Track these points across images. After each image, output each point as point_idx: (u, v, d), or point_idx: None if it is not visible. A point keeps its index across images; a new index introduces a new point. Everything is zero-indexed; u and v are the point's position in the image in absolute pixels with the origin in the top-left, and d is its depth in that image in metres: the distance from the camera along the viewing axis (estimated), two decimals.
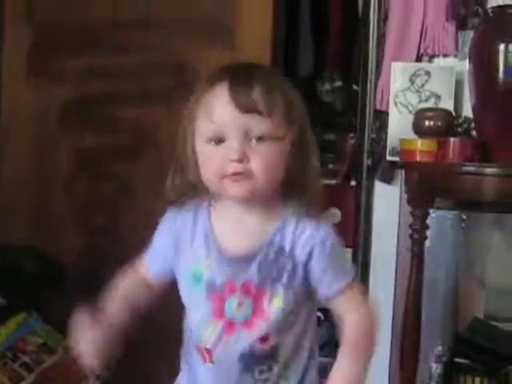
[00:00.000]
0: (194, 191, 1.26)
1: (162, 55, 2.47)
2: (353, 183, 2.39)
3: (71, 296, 2.45)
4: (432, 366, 2.26)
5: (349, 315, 1.24)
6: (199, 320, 1.25)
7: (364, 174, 2.32)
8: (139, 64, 2.52)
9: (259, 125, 1.18)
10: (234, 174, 1.18)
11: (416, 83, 2.20)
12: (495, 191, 1.92)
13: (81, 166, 2.66)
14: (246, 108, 1.18)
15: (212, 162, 1.20)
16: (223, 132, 1.19)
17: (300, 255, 1.22)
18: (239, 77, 1.21)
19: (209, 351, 1.24)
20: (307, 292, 1.25)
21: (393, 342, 2.32)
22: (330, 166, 2.51)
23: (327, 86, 2.54)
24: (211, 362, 1.25)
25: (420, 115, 2.09)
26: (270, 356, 1.25)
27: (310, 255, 1.22)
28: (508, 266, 2.29)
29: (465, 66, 2.12)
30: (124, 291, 1.36)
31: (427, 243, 2.09)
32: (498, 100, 1.95)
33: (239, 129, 1.18)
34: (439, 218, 2.24)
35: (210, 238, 1.25)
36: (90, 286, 2.52)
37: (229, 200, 1.24)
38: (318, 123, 2.39)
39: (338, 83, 2.54)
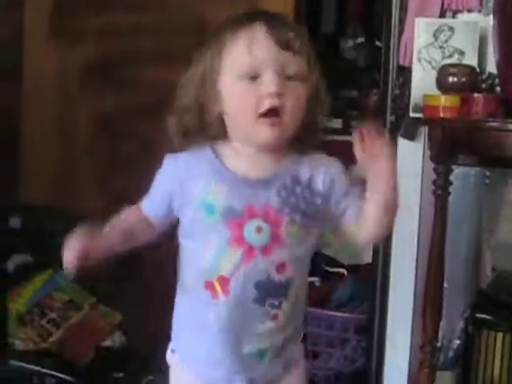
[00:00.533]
0: (199, 135, 1.29)
1: (183, 14, 2.47)
2: None
3: None
4: (454, 323, 2.28)
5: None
6: (215, 251, 1.25)
7: (387, 131, 2.32)
8: (160, 23, 2.53)
9: (293, 63, 1.21)
10: (271, 109, 1.20)
11: (440, 39, 2.18)
12: None
13: (102, 126, 2.69)
14: (285, 44, 1.20)
15: (248, 97, 1.22)
16: (260, 67, 1.20)
17: (320, 186, 1.26)
18: (274, 17, 1.25)
19: (225, 280, 1.24)
20: (317, 229, 1.30)
21: (415, 298, 2.34)
22: (353, 122, 2.51)
23: (350, 43, 2.53)
24: (227, 292, 1.25)
25: (443, 71, 2.07)
26: (284, 290, 1.26)
27: (331, 185, 1.26)
28: None
29: (489, 21, 2.11)
30: (124, 221, 1.38)
31: (450, 200, 2.11)
32: None
33: (276, 64, 1.20)
34: (462, 175, 2.23)
35: (222, 169, 1.27)
36: None
37: (257, 144, 1.25)
38: (340, 80, 2.40)
39: (361, 39, 2.53)
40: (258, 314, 1.26)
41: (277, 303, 1.26)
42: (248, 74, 1.20)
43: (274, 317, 1.27)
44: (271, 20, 1.22)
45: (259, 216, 1.23)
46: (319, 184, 1.26)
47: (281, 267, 1.24)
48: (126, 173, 2.65)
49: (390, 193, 1.25)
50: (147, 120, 2.57)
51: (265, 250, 1.23)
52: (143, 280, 2.59)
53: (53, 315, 2.57)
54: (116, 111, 2.64)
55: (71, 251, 1.30)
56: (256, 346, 1.28)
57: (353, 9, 2.55)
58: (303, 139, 1.28)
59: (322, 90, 1.29)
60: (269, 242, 1.23)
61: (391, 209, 1.26)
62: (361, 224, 1.26)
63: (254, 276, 1.24)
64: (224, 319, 1.26)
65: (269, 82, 1.19)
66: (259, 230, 1.23)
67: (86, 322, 2.59)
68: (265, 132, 1.21)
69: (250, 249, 1.23)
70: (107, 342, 2.57)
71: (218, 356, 1.29)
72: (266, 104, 1.19)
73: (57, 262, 2.58)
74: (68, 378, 2.34)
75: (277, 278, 1.24)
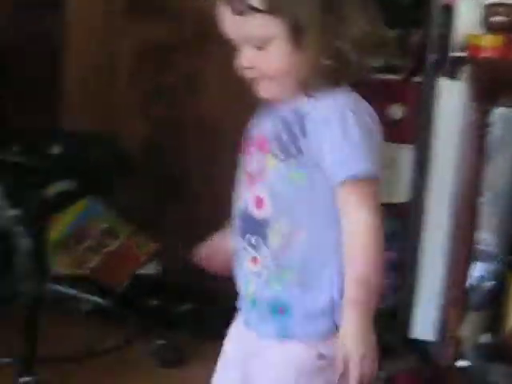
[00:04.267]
0: None
1: None
2: (417, 79, 2.38)
3: (135, 183, 2.54)
4: (485, 264, 2.29)
5: (351, 212, 1.13)
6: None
7: (429, 70, 2.32)
8: None
9: (250, 29, 1.14)
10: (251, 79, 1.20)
11: None
12: None
13: (145, 57, 2.69)
14: (237, 11, 1.13)
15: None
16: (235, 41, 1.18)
17: (311, 122, 1.15)
18: None
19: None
20: (311, 176, 1.17)
21: (448, 238, 2.35)
22: (395, 62, 2.50)
23: None
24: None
25: (489, 10, 2.06)
26: (261, 228, 1.19)
27: (326, 121, 1.13)
28: None
29: None
30: None
31: (491, 140, 2.12)
32: None
33: (239, 37, 1.17)
34: (504, 116, 2.22)
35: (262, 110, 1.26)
36: (152, 175, 2.62)
37: None
38: (382, 18, 2.38)
39: None
40: (240, 248, 1.23)
41: (253, 241, 1.20)
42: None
43: (253, 260, 1.21)
44: None
45: (255, 144, 1.22)
46: (311, 122, 1.15)
47: (259, 201, 1.19)
48: (165, 102, 2.69)
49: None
50: (188, 52, 2.60)
51: (251, 178, 1.22)
52: (183, 209, 2.64)
53: (90, 243, 2.63)
54: (159, 42, 2.64)
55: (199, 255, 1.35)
56: (245, 283, 1.25)
57: None
58: (332, 74, 1.16)
59: (320, 27, 1.13)
60: (255, 171, 1.21)
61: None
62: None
63: (242, 203, 1.23)
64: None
65: (241, 55, 1.18)
66: (251, 156, 1.22)
67: (123, 250, 2.64)
68: (260, 92, 1.21)
69: (247, 174, 1.23)
70: (143, 270, 2.64)
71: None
72: (247, 75, 1.20)
73: (97, 190, 2.65)
74: (103, 302, 2.41)
75: (254, 211, 1.20)
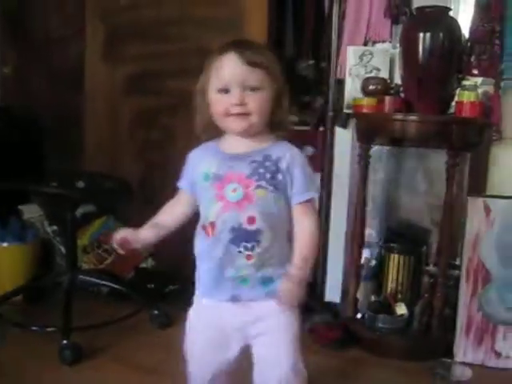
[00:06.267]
0: (214, 130, 1.26)
1: (194, 43, 2.46)
2: (321, 129, 2.41)
3: (136, 206, 2.52)
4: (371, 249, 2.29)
5: (305, 219, 1.22)
6: (207, 203, 1.23)
7: (329, 123, 2.35)
8: (178, 50, 2.51)
9: (254, 77, 1.18)
10: (238, 114, 1.19)
11: (363, 60, 2.19)
12: (415, 132, 1.94)
13: (139, 119, 2.67)
14: (247, 62, 1.17)
15: (222, 105, 1.20)
16: (229, 84, 1.18)
17: (284, 164, 1.20)
18: (243, 44, 1.23)
19: (213, 224, 1.21)
20: (284, 197, 1.22)
21: (346, 234, 2.37)
22: (306, 118, 2.51)
23: (304, 64, 2.52)
24: (213, 234, 1.21)
25: (366, 82, 2.11)
26: (254, 237, 1.20)
27: (292, 164, 1.20)
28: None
29: (396, 48, 2.12)
30: (159, 216, 1.33)
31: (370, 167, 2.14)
32: (417, 72, 1.95)
33: (240, 80, 1.18)
34: (378, 151, 2.27)
35: (218, 151, 1.26)
36: (148, 199, 2.60)
37: (232, 133, 1.24)
38: (298, 90, 2.40)
39: (311, 62, 2.52)
40: (234, 252, 1.21)
41: (249, 246, 1.20)
42: (221, 89, 1.20)
43: (248, 257, 1.21)
44: (240, 46, 1.20)
45: (235, 180, 1.20)
46: (284, 164, 1.20)
47: (251, 219, 1.19)
48: (154, 152, 2.66)
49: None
50: (170, 115, 2.58)
51: (238, 204, 1.19)
52: None
53: (106, 247, 2.59)
54: (149, 109, 2.64)
55: (116, 238, 1.33)
56: (236, 273, 1.22)
57: (306, 40, 2.54)
58: (274, 128, 1.25)
59: (285, 94, 1.24)
60: (241, 199, 1.19)
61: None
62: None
63: (229, 223, 1.19)
64: (212, 252, 1.23)
65: (233, 95, 1.18)
66: (234, 190, 1.20)
67: (129, 251, 2.61)
68: (234, 123, 1.21)
69: (228, 203, 1.20)
70: (143, 265, 2.61)
71: (211, 277, 1.25)
72: (234, 111, 1.19)
73: (109, 212, 2.63)
74: (117, 287, 2.38)
75: (248, 227, 1.19)
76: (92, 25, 2.71)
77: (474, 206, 1.99)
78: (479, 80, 2.01)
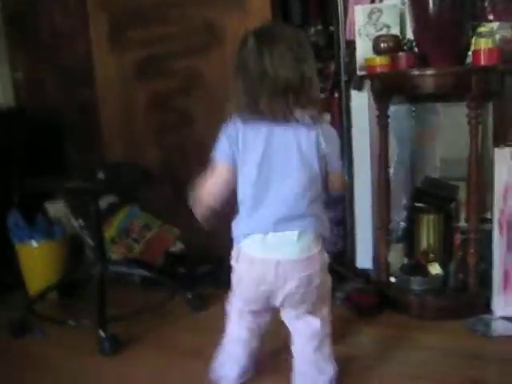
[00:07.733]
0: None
1: (198, 20, 2.43)
2: (336, 95, 2.37)
3: (157, 192, 2.52)
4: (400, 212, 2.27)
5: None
6: None
7: (343, 87, 2.31)
8: (183, 29, 2.48)
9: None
10: None
11: (372, 18, 2.13)
12: (433, 86, 1.89)
13: (152, 102, 2.66)
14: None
15: None
16: None
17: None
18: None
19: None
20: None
21: (373, 199, 2.33)
22: (320, 85, 2.47)
23: (312, 30, 2.47)
24: None
25: (377, 40, 2.05)
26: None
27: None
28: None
29: (405, 3, 2.07)
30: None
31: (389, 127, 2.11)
32: (429, 23, 1.89)
33: None
34: (396, 110, 2.21)
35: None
36: (168, 183, 2.60)
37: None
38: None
39: (320, 27, 2.47)
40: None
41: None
42: None
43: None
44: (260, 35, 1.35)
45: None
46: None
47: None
48: (171, 135, 2.65)
49: None
50: (183, 97, 2.56)
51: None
52: None
53: (134, 235, 2.61)
54: (160, 92, 2.62)
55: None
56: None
57: (313, 6, 2.50)
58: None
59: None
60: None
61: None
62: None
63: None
64: None
65: None
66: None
67: (157, 238, 2.61)
68: None
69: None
70: (172, 249, 2.61)
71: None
72: None
73: (132, 200, 2.63)
74: (148, 274, 2.39)
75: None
76: (95, 15, 2.69)
77: (501, 156, 1.94)
78: (495, 25, 1.94)
